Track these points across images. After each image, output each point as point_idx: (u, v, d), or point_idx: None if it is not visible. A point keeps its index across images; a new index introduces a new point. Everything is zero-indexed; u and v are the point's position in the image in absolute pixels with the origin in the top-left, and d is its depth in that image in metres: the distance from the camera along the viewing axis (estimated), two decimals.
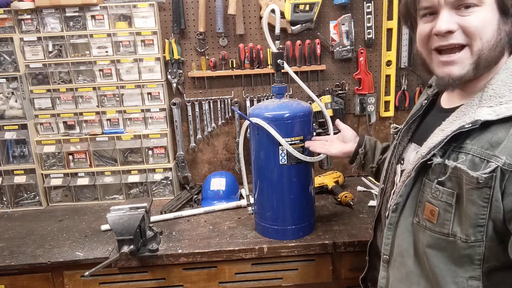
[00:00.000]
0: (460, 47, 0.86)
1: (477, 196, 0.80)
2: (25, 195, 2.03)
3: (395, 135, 1.14)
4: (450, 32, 0.85)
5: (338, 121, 1.55)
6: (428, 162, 0.89)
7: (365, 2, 1.99)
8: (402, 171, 1.04)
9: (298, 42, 1.99)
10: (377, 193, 1.90)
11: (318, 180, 1.98)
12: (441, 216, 0.87)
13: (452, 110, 0.92)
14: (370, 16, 2.00)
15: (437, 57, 0.90)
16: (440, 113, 0.98)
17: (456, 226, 0.85)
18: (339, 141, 1.50)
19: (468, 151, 0.83)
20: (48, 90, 1.97)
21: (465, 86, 0.92)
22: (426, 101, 1.07)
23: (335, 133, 1.57)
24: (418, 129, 1.07)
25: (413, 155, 1.01)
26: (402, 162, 1.07)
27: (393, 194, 1.05)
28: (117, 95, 1.98)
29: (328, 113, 1.65)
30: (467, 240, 0.83)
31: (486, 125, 0.82)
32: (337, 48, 2.02)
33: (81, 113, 2.00)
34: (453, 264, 0.87)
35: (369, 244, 1.23)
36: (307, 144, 1.49)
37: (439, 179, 0.87)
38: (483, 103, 0.85)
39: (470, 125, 0.83)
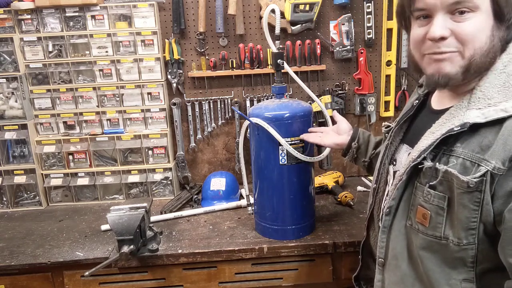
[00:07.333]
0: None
1: (468, 200, 0.80)
2: (25, 195, 2.03)
3: (387, 134, 1.14)
4: (443, 38, 0.84)
5: (335, 113, 1.55)
6: (419, 166, 0.89)
7: (365, 2, 1.99)
8: (394, 173, 1.04)
9: (298, 42, 1.99)
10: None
11: (318, 180, 1.97)
12: (433, 220, 0.87)
13: (443, 111, 0.92)
14: (370, 16, 2.00)
15: (428, 57, 0.89)
16: (431, 115, 0.98)
17: (448, 229, 0.85)
18: (334, 133, 1.50)
19: (459, 155, 0.83)
20: (48, 90, 1.96)
21: (455, 87, 0.91)
22: (417, 101, 1.07)
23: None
24: (409, 129, 1.07)
25: (405, 156, 1.01)
26: (394, 163, 1.07)
27: (386, 196, 1.05)
28: (117, 95, 1.98)
29: (328, 113, 1.65)
30: (459, 243, 0.83)
31: (475, 128, 0.82)
32: (337, 48, 2.02)
33: (81, 113, 1.99)
34: (446, 267, 0.87)
35: (362, 243, 1.23)
36: (303, 136, 1.49)
37: (430, 183, 0.86)
38: (471, 105, 0.84)
39: (459, 128, 0.82)
